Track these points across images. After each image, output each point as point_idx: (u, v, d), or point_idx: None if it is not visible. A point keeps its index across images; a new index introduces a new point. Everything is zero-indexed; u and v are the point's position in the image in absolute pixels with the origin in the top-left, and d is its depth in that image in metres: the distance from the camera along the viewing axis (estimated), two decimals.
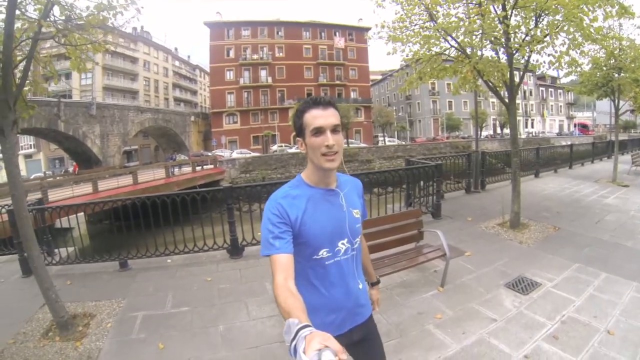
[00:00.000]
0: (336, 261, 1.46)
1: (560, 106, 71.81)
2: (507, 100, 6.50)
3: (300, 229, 1.38)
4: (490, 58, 6.08)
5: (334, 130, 1.37)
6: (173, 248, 5.57)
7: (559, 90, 68.90)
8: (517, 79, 6.43)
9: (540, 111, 65.43)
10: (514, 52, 5.80)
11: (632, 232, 6.24)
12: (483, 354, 2.94)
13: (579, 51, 6.01)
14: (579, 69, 7.14)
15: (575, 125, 63.26)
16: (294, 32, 49.85)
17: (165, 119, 41.02)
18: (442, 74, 6.86)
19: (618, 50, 9.54)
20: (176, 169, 24.78)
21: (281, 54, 49.15)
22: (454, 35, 6.04)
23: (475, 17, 5.78)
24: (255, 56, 47.96)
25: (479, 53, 6.21)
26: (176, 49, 60.36)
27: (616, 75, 10.23)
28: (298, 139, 1.46)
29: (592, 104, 68.72)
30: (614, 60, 9.79)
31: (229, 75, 47.55)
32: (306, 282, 1.43)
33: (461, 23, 5.85)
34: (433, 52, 6.49)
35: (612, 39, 6.73)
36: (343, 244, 1.47)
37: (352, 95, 52.03)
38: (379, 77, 72.31)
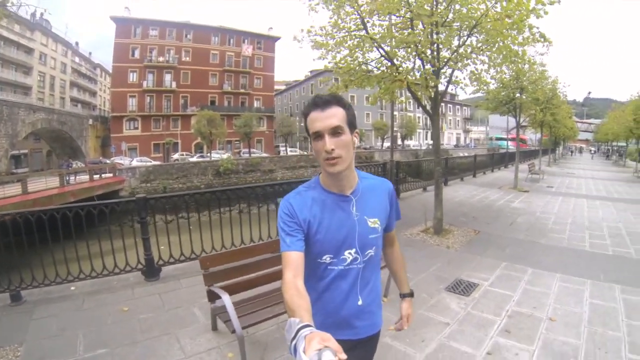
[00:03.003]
0: (339, 269, 1.39)
1: (458, 120, 79.99)
2: (431, 112, 6.77)
3: (308, 230, 1.35)
4: (422, 72, 6.20)
5: (334, 132, 1.28)
6: (77, 272, 4.48)
7: (457, 106, 76.38)
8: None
9: (440, 124, 71.26)
10: (442, 67, 6.07)
11: (542, 231, 7.06)
12: (449, 358, 2.93)
13: (498, 70, 6.48)
14: (485, 87, 7.78)
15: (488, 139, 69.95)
16: (203, 36, 48.43)
17: (61, 120, 36.09)
18: (366, 83, 6.86)
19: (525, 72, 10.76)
20: (72, 177, 22.16)
21: (188, 58, 47.36)
22: (383, 45, 6.09)
23: (404, 31, 5.91)
24: (161, 58, 45.43)
25: (405, 65, 6.38)
26: (77, 43, 54.20)
27: (518, 94, 11.65)
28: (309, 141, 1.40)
29: (485, 119, 77.65)
30: (516, 82, 11.08)
31: (132, 77, 44.19)
32: (306, 281, 1.31)
33: (396, 34, 5.90)
34: (360, 60, 6.48)
35: (524, 62, 7.51)
36: (350, 253, 1.38)
37: (256, 104, 51.92)
38: (283, 87, 73.46)
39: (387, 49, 6.11)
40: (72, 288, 4.47)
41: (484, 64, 6.35)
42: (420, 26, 5.84)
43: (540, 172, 17.19)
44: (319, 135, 1.29)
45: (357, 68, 6.52)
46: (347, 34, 6.26)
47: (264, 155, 40.52)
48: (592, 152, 67.18)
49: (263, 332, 3.32)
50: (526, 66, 9.29)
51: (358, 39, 6.23)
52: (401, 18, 6.06)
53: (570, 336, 3.22)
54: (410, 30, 5.87)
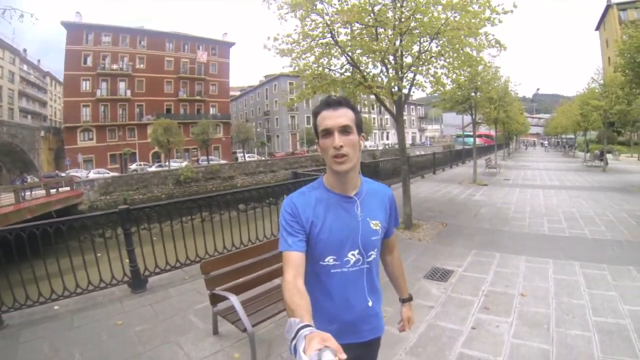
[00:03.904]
0: (342, 271, 1.40)
1: (413, 120, 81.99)
2: (395, 114, 7.20)
3: (311, 231, 1.36)
4: (389, 79, 6.48)
5: (344, 131, 1.31)
6: (62, 290, 4.30)
7: (411, 106, 78.27)
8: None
9: (395, 124, 72.65)
10: (406, 72, 6.48)
11: (505, 220, 7.68)
12: (439, 335, 3.26)
13: (456, 73, 7.01)
14: (442, 87, 8.29)
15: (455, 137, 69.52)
16: (157, 43, 47.54)
17: (11, 133, 34.08)
18: (332, 88, 7.14)
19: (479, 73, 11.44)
20: (27, 193, 20.96)
21: (142, 66, 46.30)
22: (350, 52, 6.41)
23: (366, 37, 6.24)
24: (114, 66, 44.04)
25: (370, 70, 6.74)
26: (25, 50, 51.21)
27: (473, 94, 12.41)
28: (316, 141, 1.42)
29: (440, 117, 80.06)
30: (471, 82, 11.78)
31: (85, 86, 42.41)
32: (309, 285, 1.34)
33: (362, 42, 6.18)
34: (325, 65, 6.79)
35: (480, 64, 8.12)
36: (353, 254, 1.40)
37: (212, 111, 51.71)
38: (238, 93, 73.83)
39: (352, 55, 6.42)
40: (56, 307, 4.26)
41: (443, 68, 6.79)
42: (385, 34, 6.17)
43: (497, 166, 18.30)
44: (328, 132, 1.31)
45: (323, 73, 6.81)
46: (313, 41, 6.48)
47: (223, 162, 40.19)
48: (545, 145, 66.63)
49: (264, 330, 3.44)
50: (480, 67, 9.95)
51: (324, 47, 6.49)
52: (365, 26, 6.35)
53: (541, 307, 3.70)
54: (373, 36, 6.21)
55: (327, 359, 0.78)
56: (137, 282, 4.72)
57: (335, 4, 6.26)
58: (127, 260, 4.71)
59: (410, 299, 1.77)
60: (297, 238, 1.32)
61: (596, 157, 22.45)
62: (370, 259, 1.44)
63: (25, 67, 51.01)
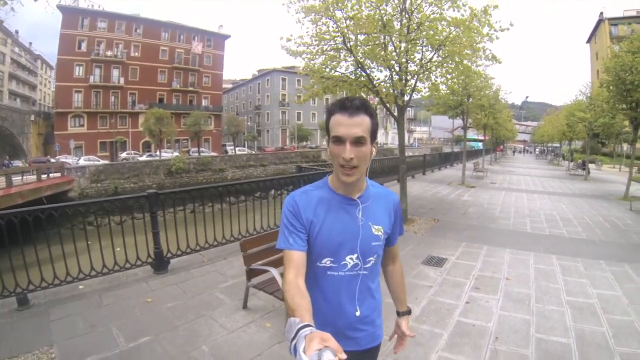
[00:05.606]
0: (339, 275, 1.36)
1: None
2: (397, 116, 7.69)
3: (310, 230, 1.33)
4: (394, 83, 7.02)
5: (357, 142, 1.22)
6: (89, 270, 4.37)
7: None
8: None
9: (384, 125, 73.45)
10: (410, 79, 7.05)
11: (491, 218, 8.45)
12: (439, 308, 3.90)
13: (452, 81, 7.65)
14: (437, 93, 8.87)
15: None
16: (153, 32, 47.16)
17: (1, 115, 33.46)
18: (338, 89, 7.64)
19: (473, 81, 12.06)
20: (17, 177, 20.61)
21: (137, 54, 45.91)
22: (358, 58, 6.90)
23: (373, 44, 6.77)
24: (109, 53, 43.44)
25: (375, 74, 7.30)
26: (17, 31, 49.61)
27: (466, 99, 13.17)
28: (326, 139, 1.36)
29: (428, 120, 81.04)
30: (464, 89, 12.50)
31: (78, 71, 41.76)
32: (307, 285, 1.29)
33: (371, 50, 6.70)
34: (333, 67, 7.24)
35: (475, 74, 8.80)
36: (351, 259, 1.35)
37: (204, 102, 51.69)
38: (230, 86, 73.71)
39: (361, 59, 6.92)
40: (81, 287, 4.31)
41: (443, 77, 7.39)
42: (392, 44, 6.71)
43: (484, 170, 19.09)
44: (340, 141, 1.23)
45: (331, 75, 7.27)
46: (326, 44, 6.96)
47: (214, 154, 40.26)
48: (537, 153, 65.33)
49: None
50: (474, 75, 10.61)
51: (335, 50, 6.99)
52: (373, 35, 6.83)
53: (523, 288, 4.42)
54: (380, 42, 6.71)
55: (327, 359, 0.78)
56: (160, 263, 4.92)
57: (349, 11, 6.63)
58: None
59: (409, 312, 1.65)
60: (298, 237, 1.30)
61: (579, 166, 23.44)
62: (368, 264, 1.39)
63: (16, 49, 49.81)
